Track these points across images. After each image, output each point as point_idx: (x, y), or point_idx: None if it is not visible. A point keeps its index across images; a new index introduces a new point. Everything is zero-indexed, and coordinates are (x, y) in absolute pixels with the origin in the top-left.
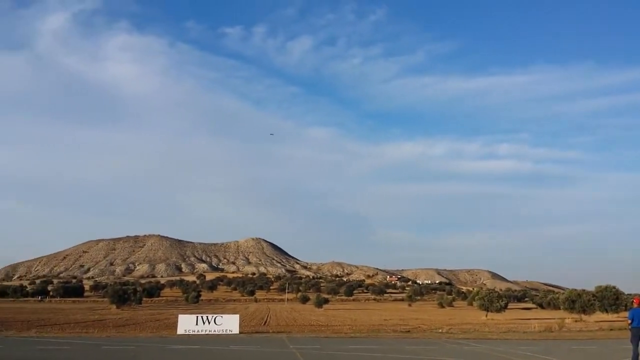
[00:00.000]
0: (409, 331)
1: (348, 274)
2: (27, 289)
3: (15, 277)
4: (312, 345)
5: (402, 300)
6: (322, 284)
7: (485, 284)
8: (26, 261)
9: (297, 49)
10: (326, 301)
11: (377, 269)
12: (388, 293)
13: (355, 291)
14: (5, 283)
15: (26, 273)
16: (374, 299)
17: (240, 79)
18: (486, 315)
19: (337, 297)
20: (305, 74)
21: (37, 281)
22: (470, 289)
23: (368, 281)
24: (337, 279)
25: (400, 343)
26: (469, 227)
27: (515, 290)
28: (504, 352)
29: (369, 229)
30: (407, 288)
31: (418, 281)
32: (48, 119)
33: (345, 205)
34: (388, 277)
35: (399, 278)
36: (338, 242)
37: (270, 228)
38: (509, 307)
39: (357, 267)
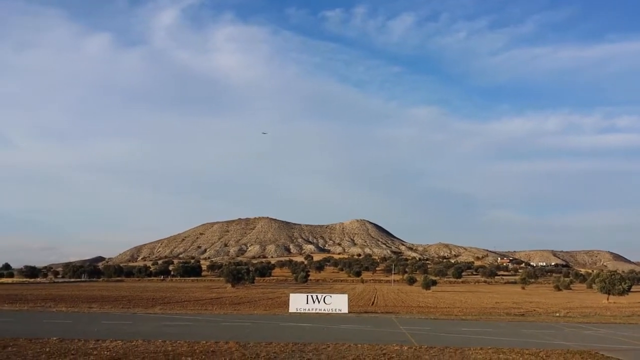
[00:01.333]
0: (523, 314)
1: (456, 256)
2: (150, 269)
3: (140, 258)
4: (423, 327)
5: (515, 283)
6: (429, 266)
7: (606, 266)
8: (149, 243)
9: (398, 27)
10: (434, 283)
11: (487, 250)
12: (499, 275)
13: (464, 273)
14: (131, 264)
15: (149, 254)
16: (484, 282)
17: (341, 62)
18: (607, 299)
19: (445, 279)
20: (407, 52)
21: (159, 262)
22: (590, 271)
23: (477, 263)
24: (445, 260)
25: (515, 326)
26: (587, 206)
27: None
28: (630, 337)
29: (478, 209)
30: (519, 270)
31: (532, 263)
32: (163, 110)
33: (452, 186)
34: (499, 259)
35: (510, 260)
36: (445, 223)
37: (374, 210)
38: (632, 290)
39: (465, 248)
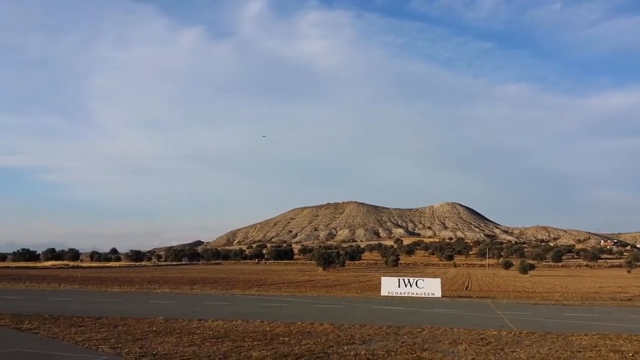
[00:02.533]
0: (630, 299)
1: (555, 239)
2: (245, 253)
3: (235, 242)
4: (521, 312)
5: (620, 266)
6: (525, 249)
7: None
8: (243, 228)
9: (487, 1)
10: (531, 267)
11: (589, 232)
12: (602, 259)
13: (564, 257)
14: (227, 247)
15: (244, 238)
16: (586, 265)
17: (427, 41)
18: None
19: (544, 263)
20: (497, 27)
21: (253, 245)
22: None
23: (578, 246)
24: (543, 243)
25: (622, 311)
26: None
27: None
28: None
29: (578, 189)
30: (625, 253)
31: (638, 245)
32: (254, 99)
33: (548, 165)
34: (602, 241)
35: (615, 242)
36: (542, 204)
37: (466, 192)
38: None
39: (564, 231)
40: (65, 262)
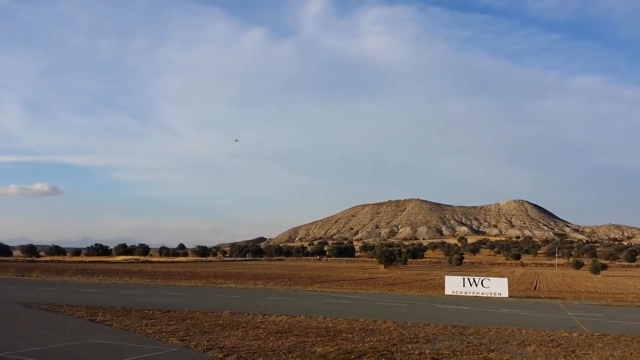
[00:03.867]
0: None
1: (629, 238)
2: (307, 249)
3: (297, 238)
4: (593, 313)
5: None
6: (597, 249)
7: None
8: (305, 225)
9: None
10: (604, 267)
11: None
12: None
13: (638, 256)
14: (289, 244)
15: (305, 235)
16: None
17: (493, 34)
18: None
19: (617, 263)
20: (566, 17)
21: (315, 242)
22: None
23: None
24: (616, 243)
25: None
26: None
27: None
28: None
29: None
30: None
31: None
32: (315, 96)
33: (623, 161)
34: None
35: None
36: (615, 202)
37: (533, 189)
38: None
39: (639, 229)
40: (136, 257)
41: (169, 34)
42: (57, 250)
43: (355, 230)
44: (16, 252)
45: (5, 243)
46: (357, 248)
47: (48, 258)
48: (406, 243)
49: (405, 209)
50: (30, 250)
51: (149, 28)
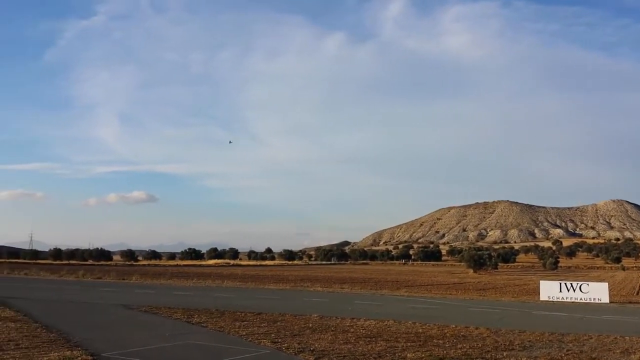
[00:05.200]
0: None
1: None
2: (392, 253)
3: (381, 242)
4: None
5: None
6: None
7: None
8: (389, 228)
9: None
10: None
11: None
12: None
13: None
14: (373, 248)
15: (389, 239)
16: None
17: (584, 26)
18: None
19: None
20: None
21: (400, 246)
22: None
23: None
24: None
25: None
26: None
27: None
28: None
29: None
30: None
31: None
32: (397, 98)
33: None
34: None
35: None
36: None
37: (634, 188)
38: None
39: None
40: (226, 260)
41: (254, 45)
42: (153, 254)
43: (442, 234)
44: (116, 257)
45: (106, 249)
46: (443, 252)
47: (145, 262)
48: (496, 246)
49: (494, 211)
50: (129, 255)
51: (235, 40)
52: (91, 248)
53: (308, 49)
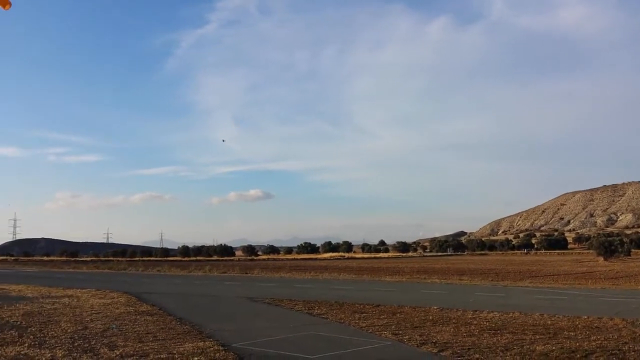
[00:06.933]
0: None
1: None
2: (512, 243)
3: (500, 232)
4: None
5: None
6: None
7: None
8: (508, 217)
9: None
10: None
11: None
12: None
13: None
14: (491, 238)
15: (509, 228)
16: None
17: None
18: None
19: None
20: None
21: (520, 235)
22: None
23: None
24: None
25: None
26: None
27: None
28: None
29: None
30: None
31: None
32: (507, 80)
33: None
34: None
35: None
36: None
37: None
38: None
39: None
40: (341, 253)
41: (357, 38)
42: (271, 249)
43: (566, 220)
44: (238, 252)
45: (229, 244)
46: (569, 239)
47: (265, 257)
48: (628, 232)
49: (624, 193)
50: (250, 250)
51: (338, 35)
52: (215, 244)
53: (411, 36)
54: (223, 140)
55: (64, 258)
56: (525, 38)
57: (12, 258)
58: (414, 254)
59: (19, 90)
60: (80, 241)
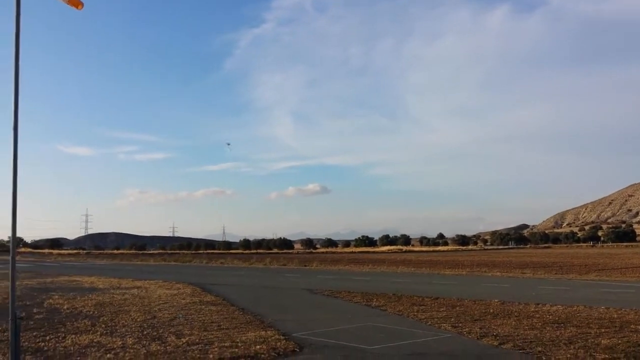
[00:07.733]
0: None
1: None
2: (577, 235)
3: (564, 224)
4: None
5: None
6: None
7: None
8: (572, 209)
9: None
10: None
11: None
12: None
13: None
14: (555, 230)
15: (574, 220)
16: None
17: None
18: None
19: None
20: None
21: (586, 227)
22: None
23: None
24: None
25: None
26: None
27: None
28: None
29: None
30: None
31: None
32: (568, 69)
33: None
34: None
35: None
36: None
37: None
38: None
39: None
40: (399, 246)
41: (412, 31)
42: (329, 242)
43: (635, 212)
44: (297, 246)
45: (288, 238)
46: (638, 232)
47: (323, 250)
48: None
49: None
50: (308, 243)
51: (392, 28)
52: (275, 238)
53: (469, 27)
54: (228, 144)
55: (133, 251)
56: (589, 24)
57: (85, 252)
58: (474, 247)
59: (95, 93)
60: (148, 235)
